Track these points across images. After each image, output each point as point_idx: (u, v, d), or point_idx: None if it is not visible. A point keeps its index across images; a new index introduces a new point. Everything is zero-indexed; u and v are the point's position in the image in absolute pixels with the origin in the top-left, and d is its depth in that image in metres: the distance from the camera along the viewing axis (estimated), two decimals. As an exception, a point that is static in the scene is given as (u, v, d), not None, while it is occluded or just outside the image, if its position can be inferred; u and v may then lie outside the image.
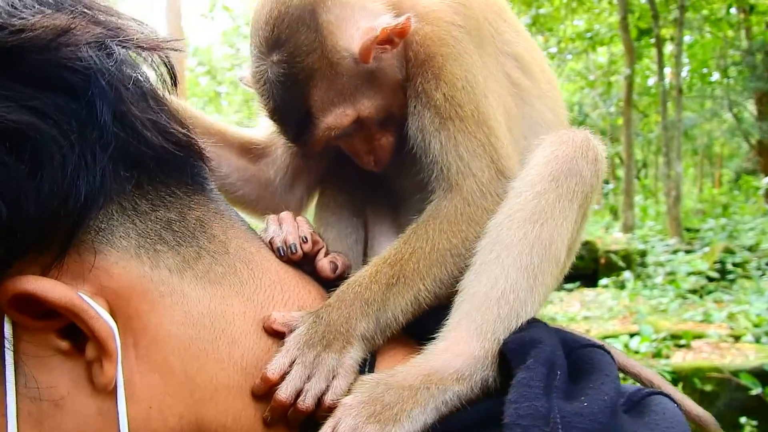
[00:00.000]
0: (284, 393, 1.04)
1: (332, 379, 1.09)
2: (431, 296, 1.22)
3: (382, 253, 1.26)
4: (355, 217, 1.56)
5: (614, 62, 25.00)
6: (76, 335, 0.88)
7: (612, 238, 16.62)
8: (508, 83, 1.42)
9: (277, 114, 1.39)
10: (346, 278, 1.29)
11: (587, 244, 14.43)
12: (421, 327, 1.21)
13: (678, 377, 7.44)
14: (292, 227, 1.26)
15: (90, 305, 0.86)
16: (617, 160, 27.33)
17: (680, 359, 8.14)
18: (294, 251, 1.22)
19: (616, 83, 24.80)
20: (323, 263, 1.28)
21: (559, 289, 12.62)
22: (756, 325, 9.08)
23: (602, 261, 14.44)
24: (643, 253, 15.30)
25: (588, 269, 13.96)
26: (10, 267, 0.82)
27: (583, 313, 10.67)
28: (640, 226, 19.71)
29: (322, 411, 1.07)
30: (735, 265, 13.01)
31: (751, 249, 14.07)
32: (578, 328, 8.91)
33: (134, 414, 0.90)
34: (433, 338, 1.17)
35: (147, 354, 0.93)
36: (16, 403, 0.85)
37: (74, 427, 0.88)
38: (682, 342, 8.61)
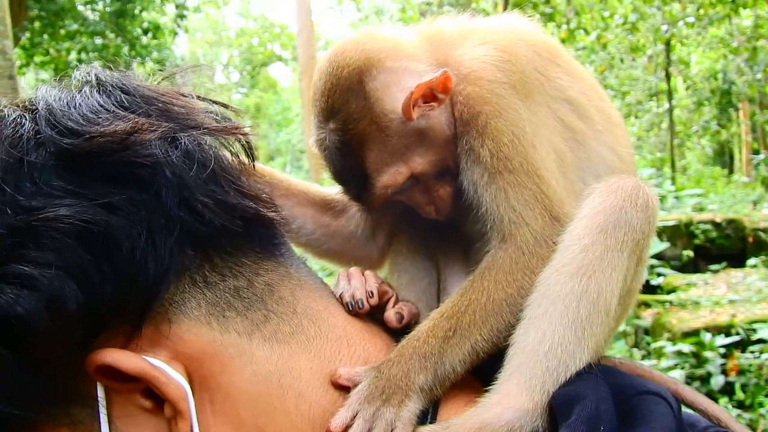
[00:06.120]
0: None
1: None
2: (489, 345, 1.27)
3: (440, 307, 1.33)
4: (427, 261, 1.63)
5: (760, 26, 22.90)
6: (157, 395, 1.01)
7: (761, 215, 15.29)
8: (561, 128, 1.46)
9: (338, 176, 1.52)
10: (414, 325, 1.37)
11: (732, 223, 13.59)
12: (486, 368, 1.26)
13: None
14: (359, 282, 1.35)
15: (163, 371, 0.99)
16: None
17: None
18: (361, 306, 1.30)
19: (763, 48, 22.84)
20: (389, 314, 1.36)
21: (704, 270, 11.99)
22: None
23: (750, 239, 13.43)
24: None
25: (735, 248, 13.11)
26: (96, 338, 0.96)
27: (729, 296, 9.97)
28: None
29: None
30: None
31: None
32: (723, 313, 8.51)
33: None
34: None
35: (221, 409, 1.04)
36: None
37: None
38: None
